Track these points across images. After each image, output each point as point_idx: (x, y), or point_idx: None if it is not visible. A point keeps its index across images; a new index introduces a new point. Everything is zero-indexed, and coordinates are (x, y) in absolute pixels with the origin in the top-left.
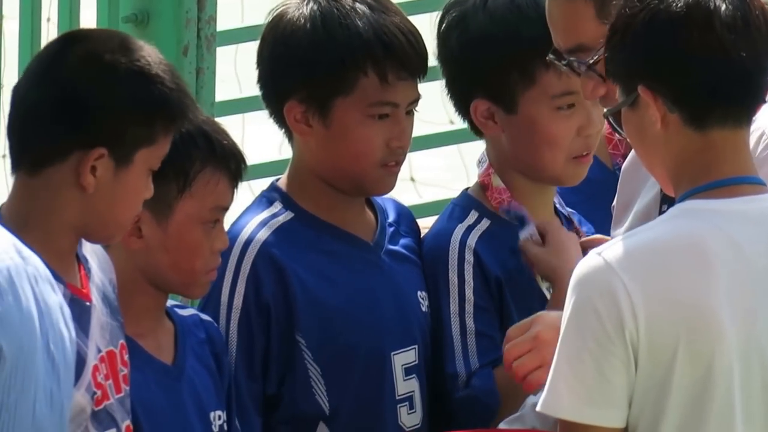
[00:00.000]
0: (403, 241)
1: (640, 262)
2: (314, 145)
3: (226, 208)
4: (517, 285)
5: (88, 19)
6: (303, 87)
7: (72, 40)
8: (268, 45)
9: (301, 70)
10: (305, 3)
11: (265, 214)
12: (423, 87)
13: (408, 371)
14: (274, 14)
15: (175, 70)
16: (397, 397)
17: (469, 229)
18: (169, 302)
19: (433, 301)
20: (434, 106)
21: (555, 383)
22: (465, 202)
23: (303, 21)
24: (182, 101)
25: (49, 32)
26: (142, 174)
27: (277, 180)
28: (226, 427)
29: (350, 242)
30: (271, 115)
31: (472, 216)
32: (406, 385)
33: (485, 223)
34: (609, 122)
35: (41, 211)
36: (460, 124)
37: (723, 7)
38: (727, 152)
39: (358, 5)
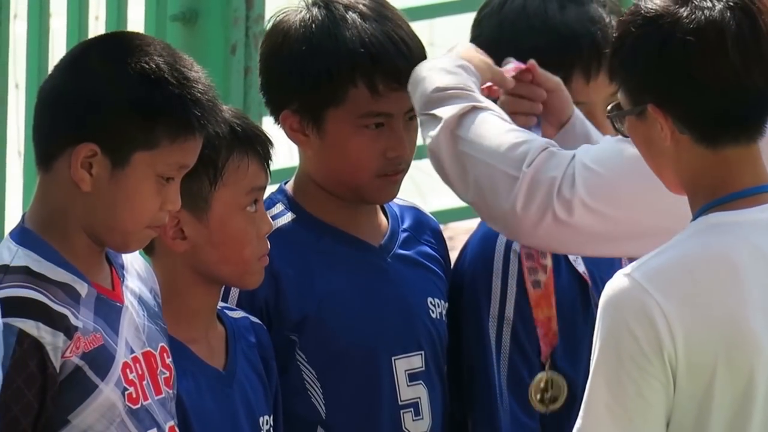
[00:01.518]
0: (419, 248)
1: (672, 280)
2: (312, 154)
3: (263, 188)
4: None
5: (136, 17)
6: (296, 98)
7: (99, 39)
8: (263, 53)
9: (293, 80)
10: (299, 11)
11: None
12: None
13: (413, 377)
14: (273, 21)
15: (203, 81)
16: (401, 403)
17: None
18: (220, 304)
19: (473, 304)
20: None
21: (593, 406)
22: None
23: (294, 30)
24: (191, 112)
25: (97, 30)
26: (146, 179)
27: (286, 182)
28: None
29: (353, 245)
30: (275, 123)
31: None
32: (411, 391)
33: None
34: (611, 122)
35: (54, 210)
36: None
37: (734, 27)
38: (741, 166)
39: (350, 14)
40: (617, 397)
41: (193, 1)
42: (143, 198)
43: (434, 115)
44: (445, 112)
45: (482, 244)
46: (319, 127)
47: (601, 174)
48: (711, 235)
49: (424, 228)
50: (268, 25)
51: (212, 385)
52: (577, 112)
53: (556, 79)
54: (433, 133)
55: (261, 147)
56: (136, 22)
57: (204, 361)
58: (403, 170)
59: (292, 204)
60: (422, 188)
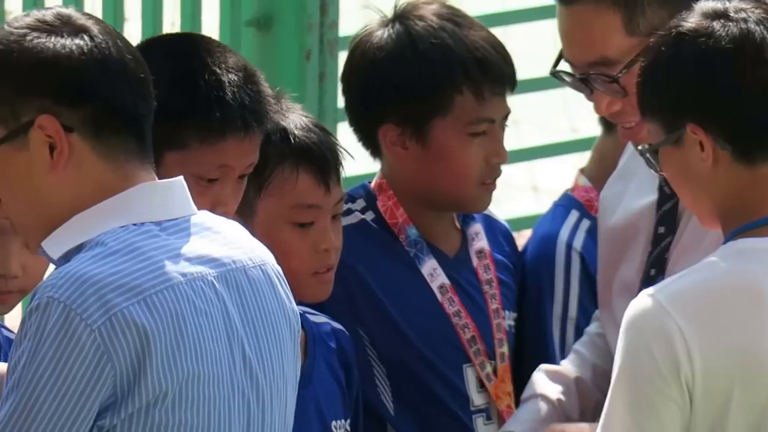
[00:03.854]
0: (493, 256)
1: (694, 304)
2: (411, 166)
3: (316, 206)
4: None
5: (211, 22)
6: (398, 110)
7: (150, 41)
8: (354, 72)
9: (395, 93)
10: (387, 26)
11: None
12: (543, 96)
13: (483, 384)
14: (356, 41)
15: (240, 83)
16: (473, 408)
17: (573, 230)
18: (301, 308)
19: (535, 304)
20: (555, 114)
21: (610, 425)
22: (566, 202)
23: (390, 43)
24: (214, 115)
25: None
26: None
27: (369, 182)
28: None
29: (430, 253)
30: (360, 140)
31: (573, 215)
32: (482, 397)
33: (585, 223)
34: (646, 159)
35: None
36: (583, 132)
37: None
38: None
39: (445, 23)
40: (634, 417)
41: (268, 7)
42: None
43: None
44: None
45: (543, 245)
46: (423, 138)
47: None
48: (738, 260)
49: (495, 233)
50: (351, 42)
51: None
52: None
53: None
54: None
55: (319, 163)
56: (211, 28)
57: None
58: (498, 177)
59: (372, 204)
60: (495, 195)
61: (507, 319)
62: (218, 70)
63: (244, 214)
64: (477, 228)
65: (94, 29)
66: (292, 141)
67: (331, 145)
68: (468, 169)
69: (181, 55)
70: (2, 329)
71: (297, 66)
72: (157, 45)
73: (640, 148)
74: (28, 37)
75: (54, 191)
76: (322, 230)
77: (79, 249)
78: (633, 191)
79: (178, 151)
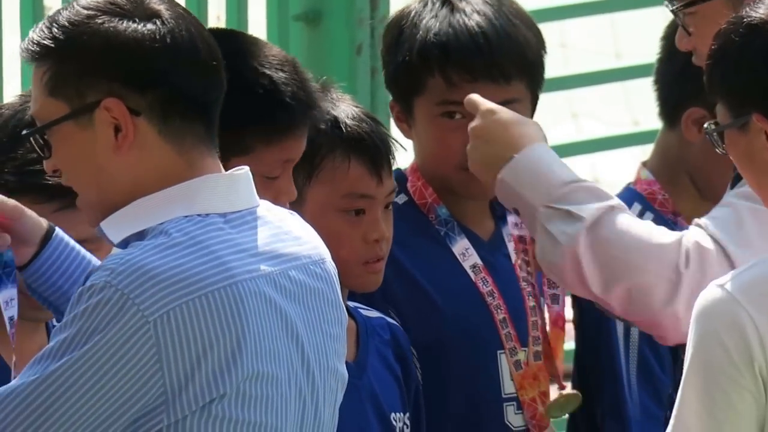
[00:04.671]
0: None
1: (764, 293)
2: (415, 146)
3: (367, 196)
4: None
5: (257, 17)
6: (392, 87)
7: None
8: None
9: (385, 68)
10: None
11: None
12: (604, 89)
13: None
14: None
15: (293, 80)
16: (504, 396)
17: None
18: (353, 303)
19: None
20: (617, 107)
21: (684, 417)
22: (628, 196)
23: (391, 22)
24: (278, 117)
25: None
26: None
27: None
28: (407, 430)
29: (464, 234)
30: None
31: (635, 208)
32: (513, 385)
33: (648, 216)
34: (711, 139)
35: None
36: (644, 125)
37: None
38: None
39: (462, 4)
40: (708, 408)
41: (317, 1)
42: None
43: (569, 212)
44: (584, 210)
45: None
46: (410, 117)
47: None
48: None
49: None
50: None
51: None
52: None
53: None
54: (569, 229)
55: (371, 153)
56: (257, 22)
57: None
58: None
59: (403, 187)
60: None
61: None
62: (270, 71)
63: (295, 203)
64: (514, 218)
65: (167, 14)
66: (344, 130)
67: (383, 135)
68: (445, 150)
69: (228, 57)
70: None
71: (348, 61)
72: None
73: (705, 126)
74: (98, 20)
75: (116, 172)
76: (374, 220)
77: (140, 236)
78: None
79: (243, 156)
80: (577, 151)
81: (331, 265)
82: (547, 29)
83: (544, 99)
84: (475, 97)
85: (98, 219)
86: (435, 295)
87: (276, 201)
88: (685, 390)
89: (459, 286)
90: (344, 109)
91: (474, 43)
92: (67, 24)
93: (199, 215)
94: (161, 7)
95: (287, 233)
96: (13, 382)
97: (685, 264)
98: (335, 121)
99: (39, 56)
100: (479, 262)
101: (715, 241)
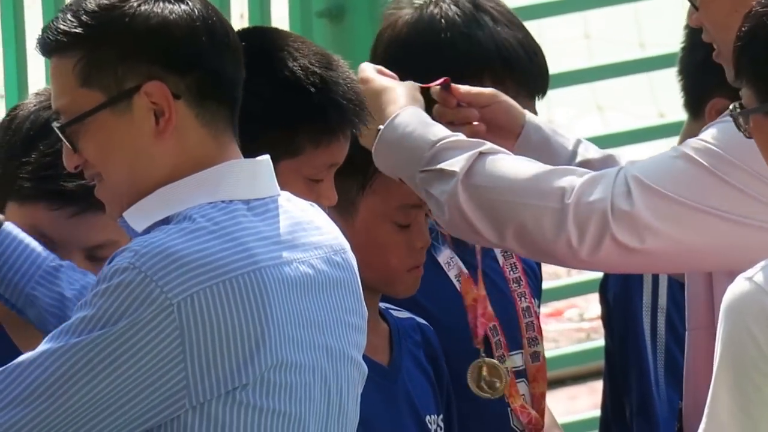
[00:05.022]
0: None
1: None
2: None
3: (417, 206)
4: None
5: (280, 14)
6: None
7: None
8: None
9: (417, 75)
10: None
11: None
12: (629, 80)
13: (517, 374)
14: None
15: (344, 81)
16: (507, 400)
17: None
18: (384, 304)
19: (624, 294)
20: (642, 99)
21: (716, 413)
22: None
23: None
24: (331, 117)
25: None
26: (295, 183)
27: None
28: None
29: (451, 244)
30: None
31: None
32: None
33: None
34: (735, 122)
35: None
36: (670, 117)
37: None
38: None
39: (482, 15)
40: (740, 404)
41: None
42: None
43: (442, 170)
44: (455, 164)
45: None
46: None
47: (666, 195)
48: None
49: None
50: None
51: (376, 379)
52: (530, 118)
53: (489, 91)
54: (446, 187)
55: None
56: (280, 18)
57: (367, 355)
58: None
59: None
60: None
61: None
62: (320, 70)
63: (344, 211)
64: None
65: (193, 1)
66: None
67: None
68: None
69: (279, 57)
70: None
71: (369, 57)
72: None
73: (730, 108)
74: (131, 2)
75: (155, 158)
76: (420, 228)
77: (164, 222)
78: None
79: (292, 158)
80: (603, 144)
81: (351, 256)
82: (570, 20)
83: (570, 92)
84: (362, 65)
85: (120, 212)
86: (428, 306)
87: (317, 203)
88: (717, 387)
89: (447, 296)
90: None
91: (531, 62)
92: (97, 9)
93: (223, 201)
94: None
95: (309, 223)
96: (28, 353)
97: (570, 193)
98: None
99: (66, 46)
100: (464, 270)
101: (617, 171)
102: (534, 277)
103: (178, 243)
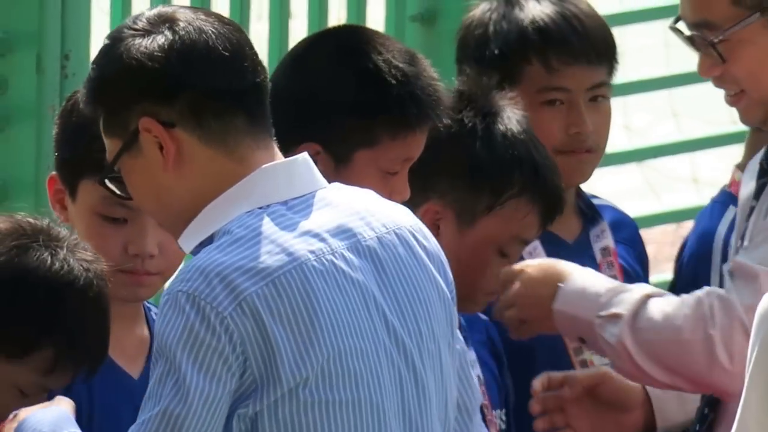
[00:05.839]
0: (615, 247)
1: None
2: None
3: (527, 242)
4: None
5: (376, 18)
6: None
7: (319, 36)
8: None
9: (466, 66)
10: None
11: None
12: (704, 87)
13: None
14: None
15: (424, 76)
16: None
17: (731, 226)
18: None
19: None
20: (716, 106)
21: (745, 422)
22: (723, 198)
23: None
24: (409, 110)
25: None
26: (369, 175)
27: None
28: (504, 426)
29: (545, 238)
30: None
31: (731, 211)
32: None
33: None
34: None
35: None
36: (743, 124)
37: None
38: None
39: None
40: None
41: (433, 2)
42: None
43: (613, 314)
44: (623, 307)
45: (700, 242)
46: None
47: None
48: None
49: (620, 227)
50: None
51: None
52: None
53: (595, 372)
54: (615, 330)
55: (551, 206)
56: (376, 22)
57: None
58: (591, 150)
59: None
60: (655, 187)
61: None
62: (401, 65)
63: (464, 221)
64: (603, 226)
65: (180, 22)
66: (541, 181)
67: (560, 189)
68: (543, 137)
69: (362, 51)
70: (151, 310)
71: None
72: (332, 41)
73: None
74: (114, 49)
75: (174, 188)
76: (513, 260)
77: (210, 240)
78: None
79: (368, 148)
80: (677, 150)
81: (410, 231)
82: (651, 29)
83: (645, 98)
84: (506, 268)
85: (177, 233)
86: None
87: (390, 199)
88: (748, 394)
89: None
90: (542, 152)
91: (569, 25)
92: (97, 61)
93: (260, 207)
94: (177, 15)
95: (353, 207)
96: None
97: (712, 323)
98: (534, 167)
99: (92, 105)
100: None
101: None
102: (636, 277)
103: (217, 258)
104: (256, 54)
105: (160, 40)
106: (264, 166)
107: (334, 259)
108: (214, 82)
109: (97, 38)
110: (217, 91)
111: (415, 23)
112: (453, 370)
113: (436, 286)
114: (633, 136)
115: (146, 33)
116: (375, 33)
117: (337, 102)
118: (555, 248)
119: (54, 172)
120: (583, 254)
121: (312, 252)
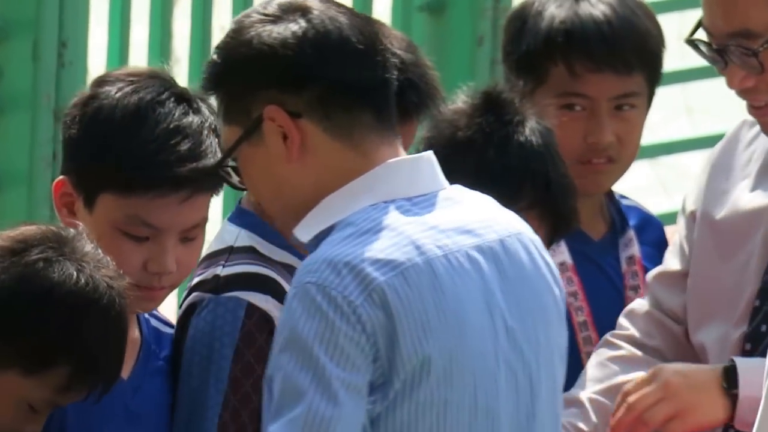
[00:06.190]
0: (641, 248)
1: None
2: None
3: None
4: None
5: (382, 8)
6: (511, 76)
7: None
8: None
9: (507, 59)
10: None
11: None
12: (717, 83)
13: None
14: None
15: (424, 68)
16: None
17: None
18: None
19: None
20: (730, 102)
21: (765, 417)
22: None
23: (520, 10)
24: (409, 97)
25: None
26: None
27: None
28: None
29: (572, 234)
30: None
31: None
32: None
33: None
34: None
35: None
36: None
37: None
38: None
39: None
40: None
41: None
42: None
43: None
44: None
45: None
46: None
47: None
48: None
49: (647, 229)
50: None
51: None
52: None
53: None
54: None
55: (559, 228)
56: (382, 12)
57: None
58: (613, 160)
59: None
60: (667, 184)
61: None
62: (398, 51)
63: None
64: (630, 234)
65: (314, 11)
66: (548, 195)
67: (572, 210)
68: (563, 142)
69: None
70: (152, 319)
71: (468, 52)
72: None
73: None
74: (245, 33)
75: (295, 179)
76: None
77: (329, 231)
78: (743, 189)
79: None
80: (691, 147)
81: (529, 238)
82: (665, 21)
83: (660, 93)
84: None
85: (290, 228)
86: None
87: None
88: (766, 403)
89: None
90: (559, 169)
91: (598, 31)
92: (221, 46)
93: (384, 202)
94: (309, 3)
95: (477, 210)
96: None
97: None
98: (547, 182)
99: (212, 89)
100: (568, 260)
101: None
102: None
103: (345, 249)
104: (387, 49)
105: (294, 27)
106: (390, 161)
107: (459, 257)
108: (346, 75)
109: (96, 27)
110: (348, 84)
111: (423, 13)
112: (562, 383)
113: (553, 297)
114: (645, 132)
115: (277, 19)
116: (374, 22)
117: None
118: (579, 245)
119: (63, 177)
120: (607, 254)
121: (439, 247)
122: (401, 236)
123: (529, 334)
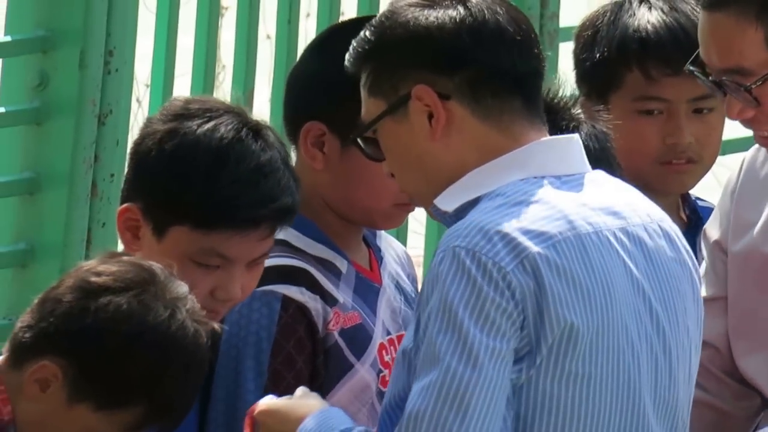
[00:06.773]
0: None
1: None
2: None
3: None
4: None
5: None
6: (583, 82)
7: (344, 24)
8: None
9: (579, 65)
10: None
11: None
12: None
13: None
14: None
15: None
16: None
17: None
18: None
19: None
20: None
21: None
22: None
23: (593, 18)
24: None
25: None
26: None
27: None
28: None
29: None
30: None
31: None
32: None
33: None
34: None
35: (305, 187)
36: None
37: None
38: None
39: (635, 2)
40: None
41: None
42: (374, 175)
43: None
44: None
45: None
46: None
47: None
48: None
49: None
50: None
51: None
52: None
53: None
54: None
55: None
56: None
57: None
58: (693, 161)
59: None
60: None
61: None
62: None
63: None
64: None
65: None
66: None
67: None
68: (643, 145)
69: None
70: None
71: None
72: (349, 25)
73: None
74: (403, 14)
75: (437, 157)
76: None
77: (474, 203)
78: None
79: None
80: (746, 146)
81: (669, 226)
82: None
83: None
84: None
85: (430, 202)
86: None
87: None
88: None
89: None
90: (616, 168)
91: (673, 37)
92: (376, 25)
93: (534, 177)
94: None
95: (621, 194)
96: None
97: None
98: None
99: (360, 62)
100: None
101: None
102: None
103: (497, 217)
104: (540, 42)
105: (452, 13)
106: (542, 138)
107: (609, 236)
108: (500, 62)
109: (143, 36)
110: (501, 71)
111: None
112: (695, 373)
113: (693, 286)
114: None
115: (434, 5)
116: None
117: (345, 82)
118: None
119: (130, 204)
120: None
121: (590, 224)
122: (554, 210)
123: (670, 318)
